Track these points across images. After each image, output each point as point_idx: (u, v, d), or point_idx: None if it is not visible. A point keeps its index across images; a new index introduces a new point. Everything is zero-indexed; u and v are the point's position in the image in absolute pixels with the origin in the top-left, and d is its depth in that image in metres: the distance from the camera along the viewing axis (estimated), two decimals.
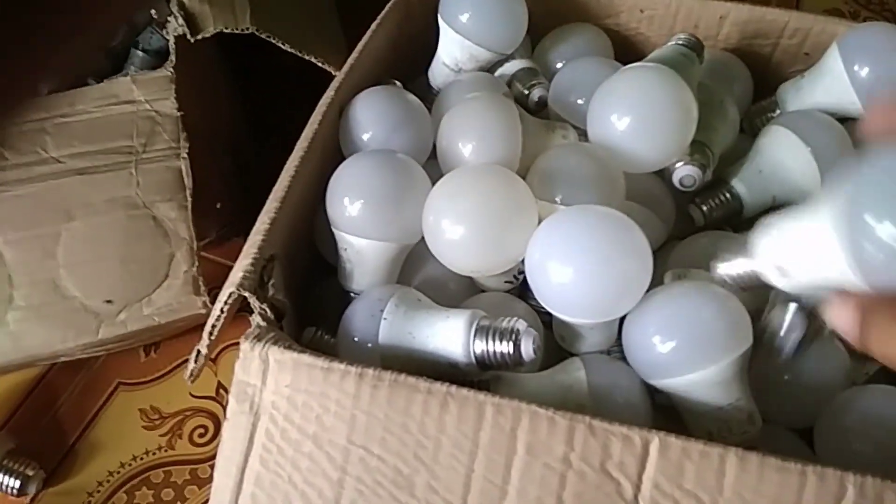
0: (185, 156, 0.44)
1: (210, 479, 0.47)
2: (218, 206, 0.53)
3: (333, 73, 0.49)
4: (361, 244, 0.39)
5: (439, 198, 0.37)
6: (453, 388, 0.30)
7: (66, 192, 0.43)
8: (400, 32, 0.51)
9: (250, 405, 0.31)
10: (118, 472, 0.48)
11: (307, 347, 0.32)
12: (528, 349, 0.32)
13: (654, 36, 0.54)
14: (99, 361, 0.52)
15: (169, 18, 0.47)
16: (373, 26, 0.47)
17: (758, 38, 0.52)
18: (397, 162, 0.40)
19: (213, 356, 0.53)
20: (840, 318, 0.26)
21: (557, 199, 0.37)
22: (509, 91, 0.48)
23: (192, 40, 0.46)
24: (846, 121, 0.44)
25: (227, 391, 0.51)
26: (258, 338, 0.31)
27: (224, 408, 0.51)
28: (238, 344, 0.53)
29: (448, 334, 0.33)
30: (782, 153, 0.43)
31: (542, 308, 0.37)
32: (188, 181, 0.44)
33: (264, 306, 0.33)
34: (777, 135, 0.44)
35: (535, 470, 0.29)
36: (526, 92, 0.48)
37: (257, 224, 0.37)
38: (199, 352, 0.35)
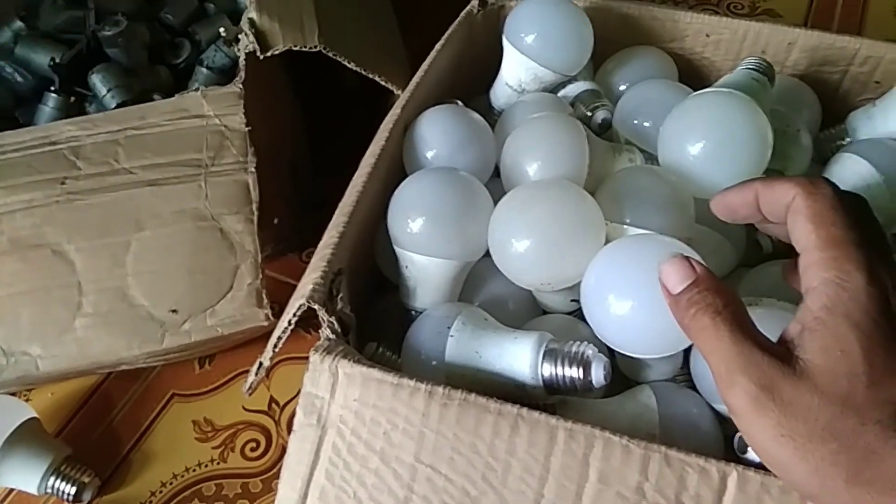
0: (253, 170, 0.45)
1: (261, 493, 0.47)
2: (275, 221, 0.53)
3: (396, 91, 0.50)
4: (423, 262, 0.39)
5: (507, 209, 0.37)
6: (524, 411, 0.29)
7: (136, 202, 0.44)
8: (463, 52, 0.51)
9: (318, 418, 0.31)
10: (171, 483, 0.48)
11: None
12: (598, 375, 0.31)
13: (720, 61, 0.53)
14: (154, 372, 0.53)
15: (240, 35, 0.48)
16: (438, 46, 0.48)
17: (827, 64, 0.51)
18: (459, 179, 0.40)
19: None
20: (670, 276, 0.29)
21: (627, 221, 0.36)
22: (573, 112, 0.48)
23: (261, 57, 0.47)
24: None
25: (279, 405, 0.51)
26: (328, 350, 0.31)
27: (276, 422, 0.51)
28: (291, 359, 0.54)
29: (516, 355, 0.33)
30: (854, 181, 0.43)
31: None
32: (255, 195, 0.44)
33: (333, 319, 0.33)
34: (849, 163, 0.43)
35: (607, 498, 0.28)
36: (589, 113, 0.47)
37: (325, 238, 0.37)
38: (260, 364, 0.35)
